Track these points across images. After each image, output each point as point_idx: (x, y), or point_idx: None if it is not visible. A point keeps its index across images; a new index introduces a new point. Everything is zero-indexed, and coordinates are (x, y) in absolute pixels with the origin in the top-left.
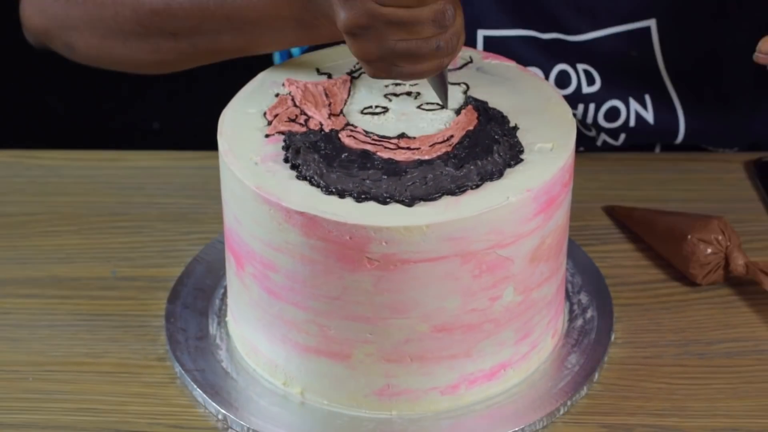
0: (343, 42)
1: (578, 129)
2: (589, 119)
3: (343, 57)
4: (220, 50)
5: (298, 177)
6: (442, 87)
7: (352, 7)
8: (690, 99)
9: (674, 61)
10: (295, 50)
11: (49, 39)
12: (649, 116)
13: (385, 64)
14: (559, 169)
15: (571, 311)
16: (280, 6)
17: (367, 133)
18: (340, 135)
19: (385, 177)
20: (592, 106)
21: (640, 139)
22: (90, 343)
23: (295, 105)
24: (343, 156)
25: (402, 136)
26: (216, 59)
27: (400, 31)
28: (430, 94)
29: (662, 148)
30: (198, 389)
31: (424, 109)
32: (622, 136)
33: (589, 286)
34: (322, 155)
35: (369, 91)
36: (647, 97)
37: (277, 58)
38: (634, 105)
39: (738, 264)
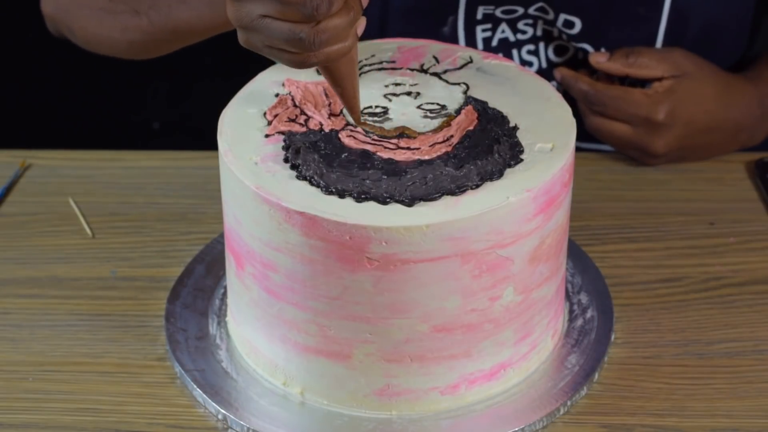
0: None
1: None
2: None
3: None
4: (176, 28)
5: (298, 177)
6: (345, 91)
7: None
8: None
9: None
10: None
11: (58, 25)
12: None
13: (254, 37)
14: (559, 169)
15: (571, 311)
16: None
17: (367, 133)
18: (340, 135)
19: (385, 177)
20: None
21: None
22: (90, 343)
23: (295, 105)
24: (343, 156)
25: (402, 136)
26: (177, 42)
27: (268, 7)
28: (430, 94)
29: None
30: (198, 389)
31: (423, 109)
32: None
33: (589, 286)
34: (322, 155)
35: (369, 92)
36: None
37: None
38: None
39: None
